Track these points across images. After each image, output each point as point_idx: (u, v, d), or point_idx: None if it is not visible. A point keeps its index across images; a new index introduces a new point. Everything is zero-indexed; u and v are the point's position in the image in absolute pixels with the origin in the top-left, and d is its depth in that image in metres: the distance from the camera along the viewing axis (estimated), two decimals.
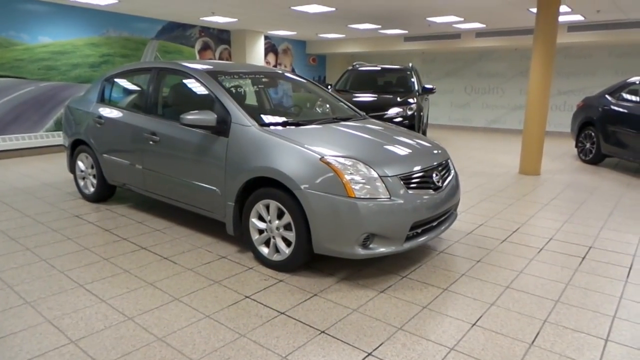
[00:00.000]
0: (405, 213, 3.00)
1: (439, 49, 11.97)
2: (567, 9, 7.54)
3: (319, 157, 3.00)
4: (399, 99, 7.51)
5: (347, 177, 2.90)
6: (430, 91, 8.16)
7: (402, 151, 3.38)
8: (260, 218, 3.31)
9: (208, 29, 10.82)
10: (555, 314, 2.71)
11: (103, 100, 4.71)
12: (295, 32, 11.65)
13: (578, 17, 8.53)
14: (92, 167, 4.79)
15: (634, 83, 6.98)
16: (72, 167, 5.06)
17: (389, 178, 3.00)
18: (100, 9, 8.42)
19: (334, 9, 7.74)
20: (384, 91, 8.36)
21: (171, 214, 4.53)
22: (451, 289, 3.03)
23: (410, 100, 7.57)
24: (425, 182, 3.22)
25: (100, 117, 4.54)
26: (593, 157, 7.46)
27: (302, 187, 2.95)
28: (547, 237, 4.07)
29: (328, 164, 2.95)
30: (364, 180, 2.93)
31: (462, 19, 8.86)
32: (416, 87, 8.16)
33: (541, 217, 4.68)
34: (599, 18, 8.70)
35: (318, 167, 2.97)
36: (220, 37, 11.18)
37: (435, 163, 3.42)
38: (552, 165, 7.53)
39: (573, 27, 9.25)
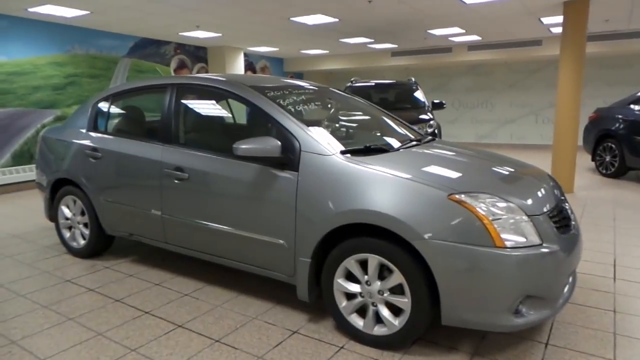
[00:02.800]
0: (563, 262, 2.26)
1: (426, 64, 11.60)
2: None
3: (446, 193, 2.21)
4: (419, 116, 6.87)
5: (491, 220, 2.13)
6: (440, 106, 7.61)
7: (526, 180, 2.65)
8: (350, 278, 2.46)
9: (184, 45, 9.84)
10: None
11: (96, 127, 3.69)
12: (277, 49, 10.89)
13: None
14: (83, 214, 3.73)
15: None
16: (54, 214, 3.96)
17: (539, 217, 2.25)
18: (66, 22, 7.28)
19: (337, 19, 7.07)
20: (390, 108, 7.70)
21: (195, 270, 3.55)
22: None
23: (425, 117, 6.96)
24: (563, 219, 2.50)
25: (95, 149, 3.52)
26: (615, 171, 7.13)
27: (426, 236, 2.14)
28: None
29: (460, 202, 2.17)
30: (510, 223, 2.17)
31: (464, 31, 8.46)
32: (425, 103, 7.58)
33: (624, 244, 4.10)
34: None
35: (446, 208, 2.18)
36: (197, 54, 10.22)
37: (559, 193, 2.73)
38: (577, 182, 7.12)
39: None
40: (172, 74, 9.57)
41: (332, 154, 2.51)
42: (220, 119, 3.26)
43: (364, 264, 2.40)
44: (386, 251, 2.29)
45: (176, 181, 3.03)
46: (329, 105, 3.50)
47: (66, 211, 3.86)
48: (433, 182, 2.28)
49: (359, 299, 2.44)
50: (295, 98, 3.08)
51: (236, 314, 2.82)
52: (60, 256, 3.91)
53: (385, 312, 2.37)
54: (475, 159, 2.86)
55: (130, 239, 3.57)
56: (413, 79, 8.16)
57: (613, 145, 7.12)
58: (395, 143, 3.00)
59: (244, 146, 2.53)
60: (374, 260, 2.34)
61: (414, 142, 3.12)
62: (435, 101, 7.65)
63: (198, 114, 3.33)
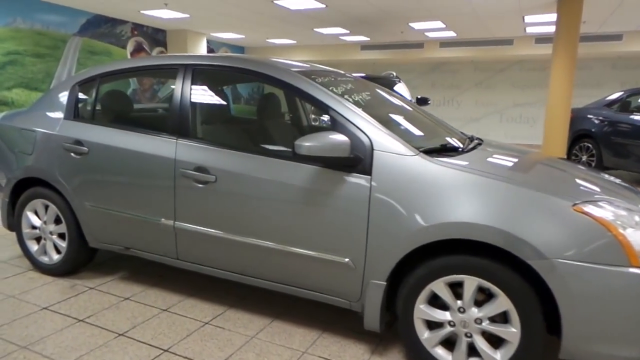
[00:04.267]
0: None
1: (394, 59, 11.42)
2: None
3: (570, 202, 1.86)
4: None
5: (625, 234, 1.81)
6: (425, 102, 7.38)
7: (623, 188, 2.37)
8: (433, 303, 2.05)
9: (142, 26, 8.86)
10: None
11: (78, 115, 2.97)
12: (243, 36, 10.18)
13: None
14: (58, 222, 3.01)
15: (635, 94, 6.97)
16: (15, 222, 3.17)
17: None
18: None
19: (324, 6, 6.59)
20: None
21: (206, 289, 2.96)
22: None
23: None
24: None
25: (79, 142, 2.82)
26: None
27: (548, 255, 1.79)
28: None
29: (588, 214, 1.83)
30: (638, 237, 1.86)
31: (444, 26, 8.30)
32: (410, 99, 7.30)
33: None
34: None
35: (571, 221, 1.83)
36: (155, 37, 9.27)
37: None
38: None
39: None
40: (129, 57, 8.57)
41: (415, 154, 2.08)
42: (255, 109, 2.71)
43: (456, 287, 2.01)
44: (490, 272, 1.90)
45: (198, 184, 2.44)
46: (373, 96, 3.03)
47: (33, 218, 3.10)
48: (550, 190, 1.92)
49: (448, 328, 2.04)
50: (345, 87, 2.60)
51: (281, 348, 2.30)
52: (25, 274, 3.14)
53: (482, 344, 1.99)
54: (554, 162, 2.55)
55: (122, 253, 2.91)
56: (394, 73, 7.86)
57: (590, 145, 7.28)
58: (456, 142, 2.62)
59: (308, 144, 2.03)
60: (472, 282, 1.95)
61: (475, 142, 2.76)
62: (420, 97, 7.41)
63: (224, 104, 2.75)
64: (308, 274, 2.28)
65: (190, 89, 2.60)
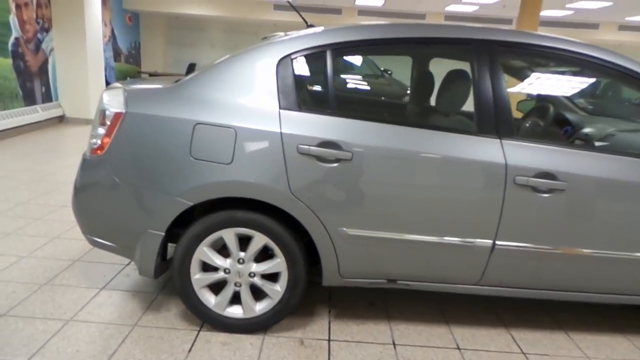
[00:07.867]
0: None
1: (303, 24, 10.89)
2: None
3: None
4: None
5: None
6: (388, 73, 7.35)
7: None
8: None
9: None
10: None
11: (310, 104, 2.04)
12: None
13: None
14: (259, 259, 2.09)
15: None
16: (180, 265, 2.06)
17: None
18: None
19: None
20: None
21: (465, 312, 2.50)
22: None
23: None
24: None
25: (333, 144, 1.95)
26: None
27: None
28: None
29: None
30: None
31: None
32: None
33: None
34: None
35: None
36: None
37: None
38: None
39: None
40: (12, 8, 6.00)
41: None
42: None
43: None
44: None
45: (540, 195, 2.01)
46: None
47: (217, 259, 2.08)
48: None
49: None
50: None
51: None
52: (207, 339, 2.11)
53: None
54: None
55: (380, 287, 2.22)
56: None
57: None
58: None
59: None
60: None
61: None
62: (384, 69, 7.35)
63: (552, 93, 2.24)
64: None
65: (501, 75, 2.06)
